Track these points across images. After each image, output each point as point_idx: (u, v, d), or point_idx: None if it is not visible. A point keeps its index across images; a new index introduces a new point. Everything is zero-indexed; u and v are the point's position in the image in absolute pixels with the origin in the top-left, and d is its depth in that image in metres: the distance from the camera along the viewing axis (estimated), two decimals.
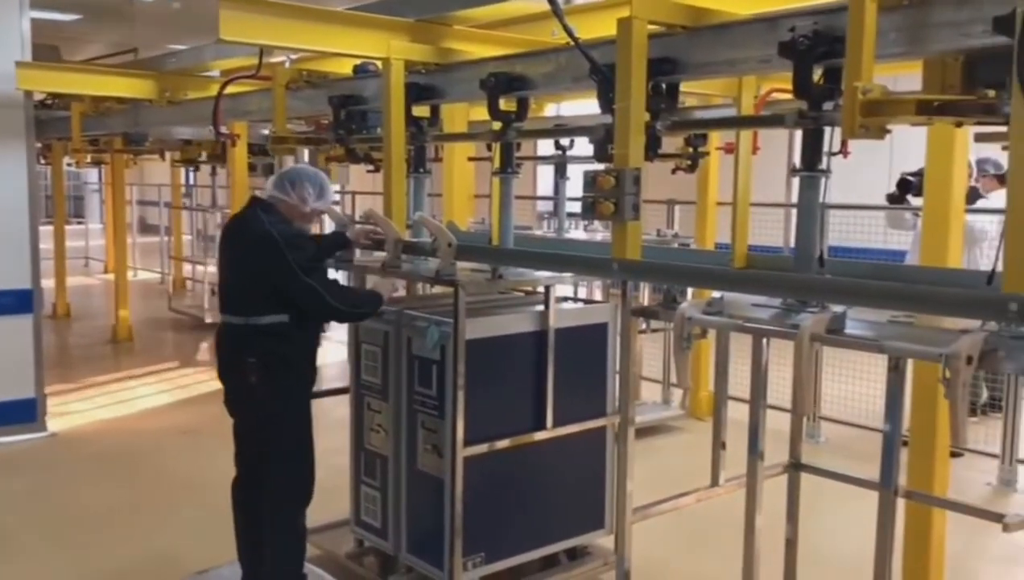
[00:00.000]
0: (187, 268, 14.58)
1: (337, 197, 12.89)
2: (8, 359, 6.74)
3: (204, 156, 10.46)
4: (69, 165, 14.93)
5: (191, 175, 13.18)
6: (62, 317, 12.16)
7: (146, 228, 18.90)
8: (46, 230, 9.70)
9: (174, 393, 8.34)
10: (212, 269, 14.23)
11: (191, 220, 14.67)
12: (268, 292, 3.68)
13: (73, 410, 7.51)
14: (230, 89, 5.72)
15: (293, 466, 3.86)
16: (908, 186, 6.78)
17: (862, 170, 6.93)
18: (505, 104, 4.07)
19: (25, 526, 5.15)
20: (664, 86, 3.37)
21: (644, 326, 7.20)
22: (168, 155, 10.38)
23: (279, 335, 3.70)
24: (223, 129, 6.08)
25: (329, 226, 4.89)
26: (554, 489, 4.18)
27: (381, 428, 4.17)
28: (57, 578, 4.41)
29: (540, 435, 4.04)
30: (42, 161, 12.47)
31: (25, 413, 6.81)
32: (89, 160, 11.57)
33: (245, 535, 3.97)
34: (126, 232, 11.97)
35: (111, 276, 13.93)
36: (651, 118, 3.23)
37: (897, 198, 6.91)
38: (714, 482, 3.41)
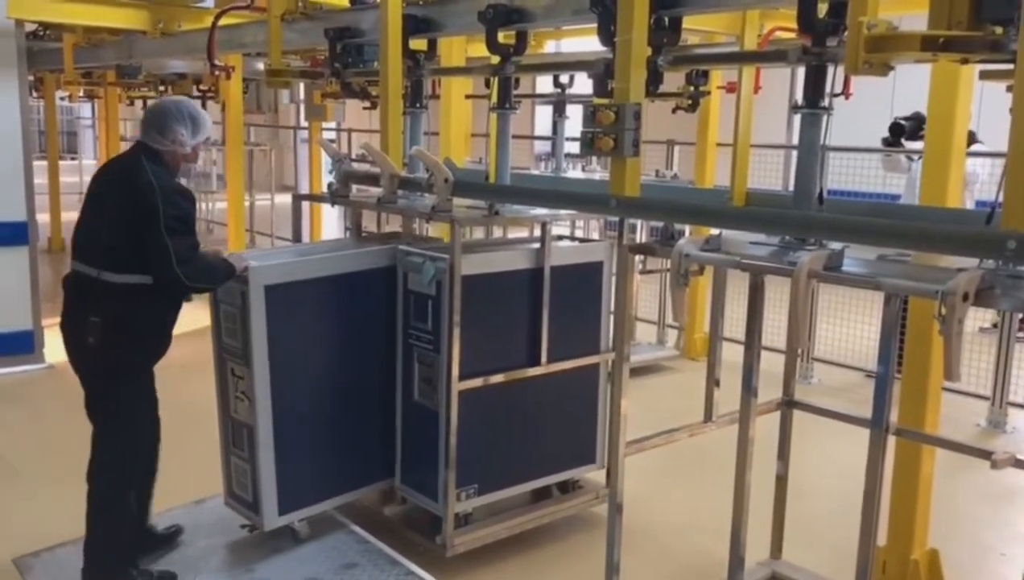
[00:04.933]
0: None
1: (333, 134, 12.80)
2: (5, 291, 6.74)
3: (195, 91, 10.34)
4: (62, 99, 14.72)
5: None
6: (57, 251, 12.12)
7: None
8: (40, 165, 9.62)
9: None
10: (203, 206, 14.18)
11: None
12: (135, 247, 3.34)
13: None
14: (225, 21, 5.63)
15: (118, 440, 3.54)
16: (901, 129, 6.76)
17: (863, 115, 6.88)
18: (504, 37, 4.01)
19: (24, 455, 5.20)
20: (667, 20, 3.32)
21: (640, 267, 7.22)
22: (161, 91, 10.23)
23: (131, 298, 3.37)
24: (218, 61, 5.99)
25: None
26: (547, 424, 4.22)
27: (245, 396, 3.78)
28: (56, 507, 4.47)
29: (534, 371, 4.06)
30: (34, 94, 12.30)
31: (23, 345, 6.83)
32: (82, 93, 11.42)
33: None
34: None
35: None
36: (653, 52, 3.20)
37: (891, 143, 6.89)
38: (707, 417, 3.45)
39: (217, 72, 6.19)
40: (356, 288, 3.95)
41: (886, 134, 6.97)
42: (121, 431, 3.54)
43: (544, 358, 4.06)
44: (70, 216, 13.79)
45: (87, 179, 18.47)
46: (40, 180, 8.25)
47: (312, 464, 3.92)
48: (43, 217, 12.57)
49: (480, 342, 3.86)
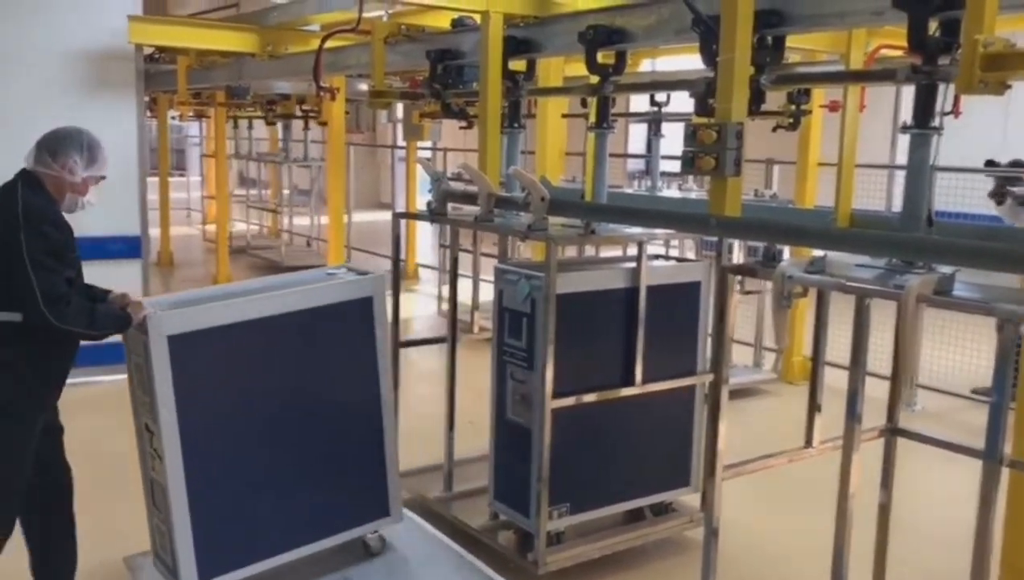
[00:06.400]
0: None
1: (429, 153, 13.03)
2: None
3: (298, 111, 10.72)
4: (173, 118, 15.42)
5: (287, 130, 13.52)
6: (166, 265, 12.65)
7: (243, 181, 19.41)
8: (151, 181, 10.09)
9: None
10: (303, 221, 14.61)
11: (286, 174, 15.12)
12: (2, 282, 3.09)
13: None
14: (330, 43, 5.80)
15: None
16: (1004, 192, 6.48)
17: (973, 133, 6.65)
18: (603, 57, 4.03)
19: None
20: (770, 39, 3.29)
21: (737, 287, 7.10)
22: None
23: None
24: (323, 83, 6.18)
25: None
26: (641, 445, 4.19)
27: (157, 454, 3.35)
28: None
29: (628, 391, 4.05)
30: (148, 114, 12.92)
31: None
32: (191, 113, 11.92)
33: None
34: (227, 184, 12.34)
35: (211, 227, 14.41)
36: (755, 71, 3.17)
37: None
38: (808, 443, 3.37)
39: (323, 93, 6.39)
40: (291, 330, 3.55)
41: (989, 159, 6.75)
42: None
43: (639, 378, 4.04)
44: (179, 231, 14.45)
45: (195, 195, 19.24)
46: (151, 196, 8.65)
47: (244, 524, 3.51)
48: (153, 232, 13.21)
49: (574, 360, 3.87)
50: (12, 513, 3.26)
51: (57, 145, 3.24)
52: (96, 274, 6.62)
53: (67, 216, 3.32)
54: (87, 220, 6.87)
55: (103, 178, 3.35)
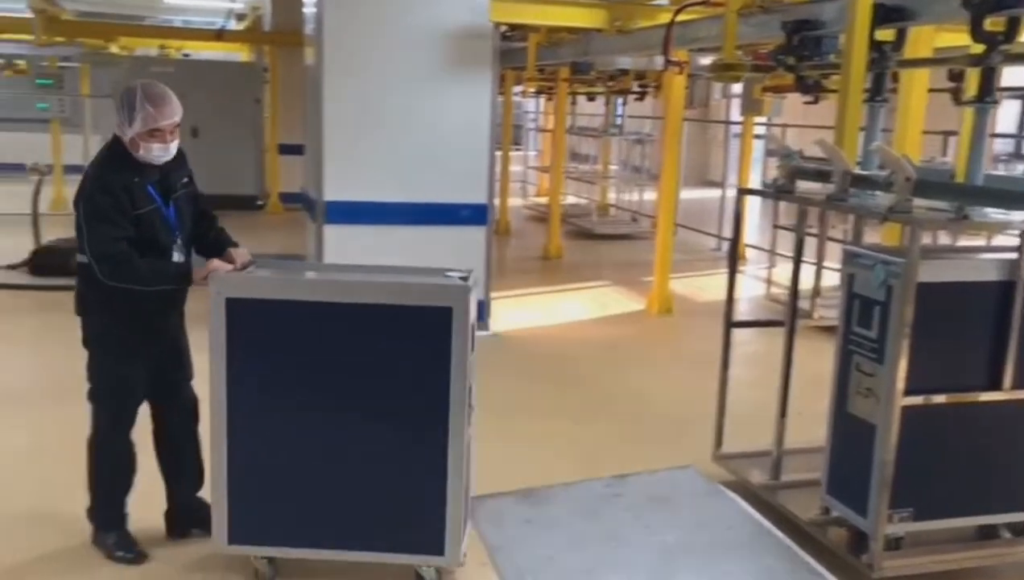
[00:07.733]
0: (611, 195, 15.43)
1: (763, 129, 12.62)
2: (466, 264, 7.50)
3: (635, 87, 10.82)
4: (515, 95, 16.28)
5: (621, 106, 13.75)
6: (503, 234, 13.42)
7: (574, 156, 20.06)
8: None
9: (594, 309, 8.84)
10: (630, 197, 14.81)
11: (618, 149, 15.44)
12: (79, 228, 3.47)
13: (512, 315, 8.30)
14: (679, 17, 5.79)
15: (99, 406, 3.66)
16: None
17: None
18: (990, 24, 3.64)
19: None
20: None
21: None
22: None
23: (84, 276, 3.50)
24: (672, 57, 6.17)
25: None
26: (1004, 456, 3.78)
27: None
28: (493, 459, 4.87)
29: (993, 395, 3.66)
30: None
31: (479, 314, 7.63)
32: (533, 89, 12.46)
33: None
34: (563, 159, 12.76)
35: (544, 199, 15.07)
36: None
37: None
38: None
39: (671, 67, 6.38)
40: (357, 322, 3.39)
41: None
42: (102, 401, 3.66)
43: (1008, 383, 3.64)
44: (514, 202, 15.30)
45: (520, 168, 20.26)
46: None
47: (280, 502, 3.50)
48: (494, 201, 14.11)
49: (931, 356, 3.57)
50: (124, 407, 3.67)
51: (118, 103, 3.44)
52: (445, 238, 7.21)
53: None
54: (442, 188, 7.47)
55: (158, 130, 3.40)
